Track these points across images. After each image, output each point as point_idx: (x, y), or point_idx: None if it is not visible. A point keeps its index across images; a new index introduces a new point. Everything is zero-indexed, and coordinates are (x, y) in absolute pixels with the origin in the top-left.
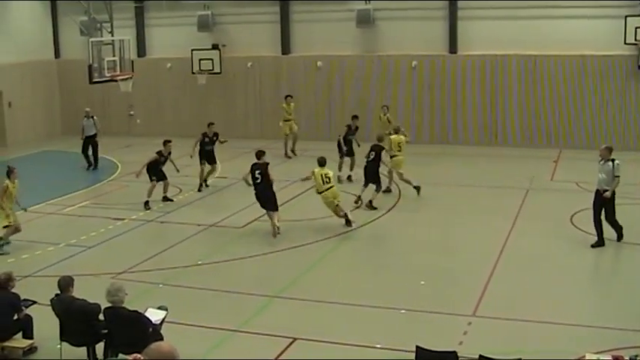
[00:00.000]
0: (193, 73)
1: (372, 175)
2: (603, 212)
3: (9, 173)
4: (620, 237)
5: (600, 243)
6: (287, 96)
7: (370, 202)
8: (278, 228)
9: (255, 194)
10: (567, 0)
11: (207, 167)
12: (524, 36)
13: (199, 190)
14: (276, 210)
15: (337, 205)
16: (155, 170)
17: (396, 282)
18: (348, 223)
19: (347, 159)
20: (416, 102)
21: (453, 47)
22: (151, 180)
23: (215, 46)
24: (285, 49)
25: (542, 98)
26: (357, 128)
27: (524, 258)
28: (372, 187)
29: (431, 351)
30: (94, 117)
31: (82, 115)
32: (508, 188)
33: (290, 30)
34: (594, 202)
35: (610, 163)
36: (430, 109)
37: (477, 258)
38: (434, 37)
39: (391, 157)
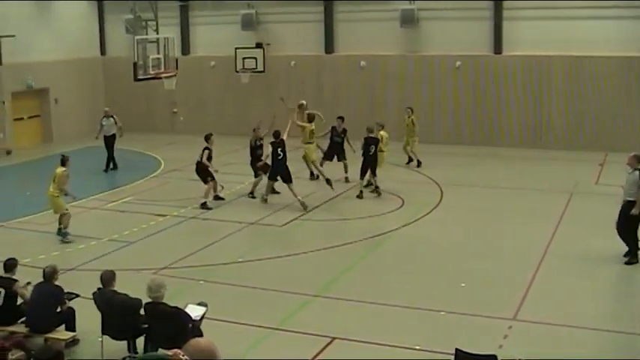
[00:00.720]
0: (237, 71)
1: (371, 166)
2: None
3: (65, 162)
4: (632, 253)
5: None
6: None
7: (375, 186)
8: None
9: (277, 169)
10: (613, 0)
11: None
12: (570, 36)
13: (251, 196)
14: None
15: (314, 161)
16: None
17: (436, 284)
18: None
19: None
20: (459, 102)
21: (497, 48)
22: (206, 181)
23: (259, 45)
24: (329, 48)
25: (587, 100)
26: (344, 130)
27: (566, 262)
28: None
29: (470, 354)
30: (114, 116)
31: (121, 111)
32: (551, 192)
33: (334, 29)
34: (619, 213)
35: (637, 172)
36: (474, 110)
37: (519, 261)
38: (478, 38)
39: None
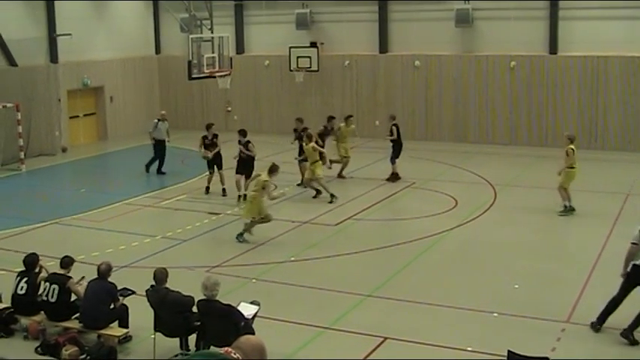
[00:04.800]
0: (291, 70)
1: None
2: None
3: (273, 170)
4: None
5: (598, 325)
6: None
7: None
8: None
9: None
10: None
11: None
12: (628, 37)
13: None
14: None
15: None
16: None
17: (488, 285)
18: (318, 193)
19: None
20: (514, 103)
21: (553, 48)
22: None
23: (313, 44)
24: (383, 47)
25: None
26: (332, 129)
27: (621, 264)
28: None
29: (523, 356)
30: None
31: (176, 110)
32: (607, 193)
33: (388, 29)
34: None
35: None
36: (529, 111)
37: (573, 263)
38: (534, 38)
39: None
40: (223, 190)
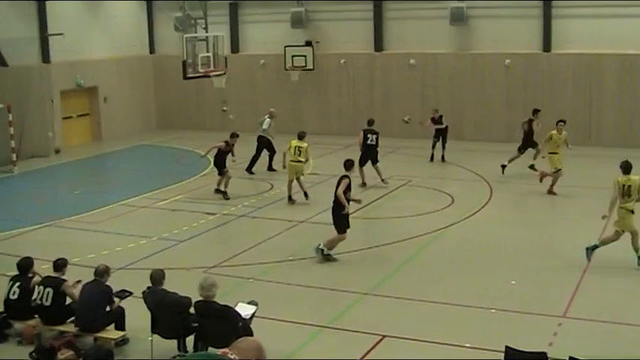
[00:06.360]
0: (286, 69)
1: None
2: None
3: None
4: None
5: None
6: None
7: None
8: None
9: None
10: None
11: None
12: (621, 35)
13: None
14: None
15: (298, 178)
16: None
17: (486, 281)
18: (306, 195)
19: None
20: (509, 100)
21: (547, 46)
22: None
23: (308, 43)
24: (379, 46)
25: (639, 99)
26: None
27: (618, 260)
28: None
29: (520, 351)
30: None
31: (171, 110)
32: (603, 189)
33: (383, 27)
34: None
35: None
36: (523, 108)
37: (570, 258)
38: (528, 36)
39: None
40: (225, 192)
